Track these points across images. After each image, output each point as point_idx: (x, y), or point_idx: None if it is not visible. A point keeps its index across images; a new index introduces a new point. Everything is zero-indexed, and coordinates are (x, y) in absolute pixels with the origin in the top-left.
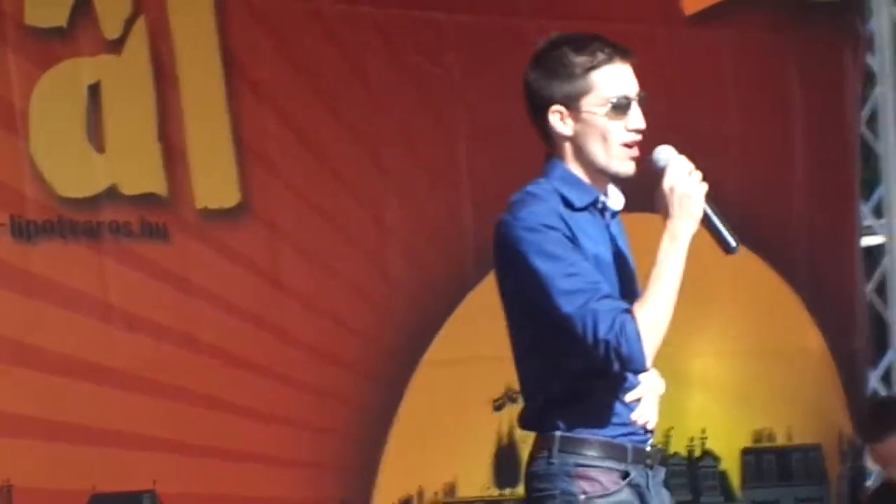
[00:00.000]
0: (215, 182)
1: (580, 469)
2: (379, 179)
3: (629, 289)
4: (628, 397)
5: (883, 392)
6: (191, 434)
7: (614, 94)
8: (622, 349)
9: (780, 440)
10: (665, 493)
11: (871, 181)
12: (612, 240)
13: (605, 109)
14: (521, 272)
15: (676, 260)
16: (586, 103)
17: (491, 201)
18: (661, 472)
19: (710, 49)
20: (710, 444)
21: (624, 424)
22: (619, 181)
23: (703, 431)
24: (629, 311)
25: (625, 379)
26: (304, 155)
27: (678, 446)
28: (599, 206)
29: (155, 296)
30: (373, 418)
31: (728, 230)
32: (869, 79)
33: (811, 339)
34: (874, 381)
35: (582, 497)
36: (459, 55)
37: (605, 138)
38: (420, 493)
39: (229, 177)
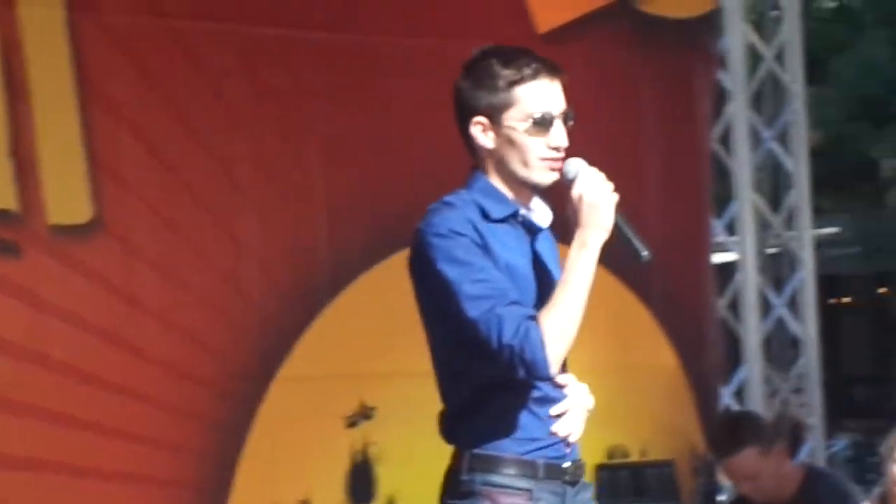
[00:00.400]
0: (67, 198)
1: (487, 489)
2: (233, 195)
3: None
4: (553, 410)
5: (736, 407)
6: (44, 451)
7: (536, 109)
8: (526, 355)
9: (634, 456)
10: None
11: (723, 198)
12: (536, 254)
13: (526, 125)
14: (430, 278)
15: (585, 268)
16: (508, 117)
17: (345, 218)
18: (587, 490)
19: (563, 67)
20: None
21: (536, 439)
22: (542, 192)
23: None
24: (535, 318)
25: (538, 391)
26: (157, 170)
27: None
28: (520, 219)
29: (6, 313)
30: (226, 435)
31: (638, 239)
32: (721, 96)
33: (664, 355)
34: (727, 397)
35: None
36: (314, 73)
37: (523, 153)
38: None
39: (81, 192)
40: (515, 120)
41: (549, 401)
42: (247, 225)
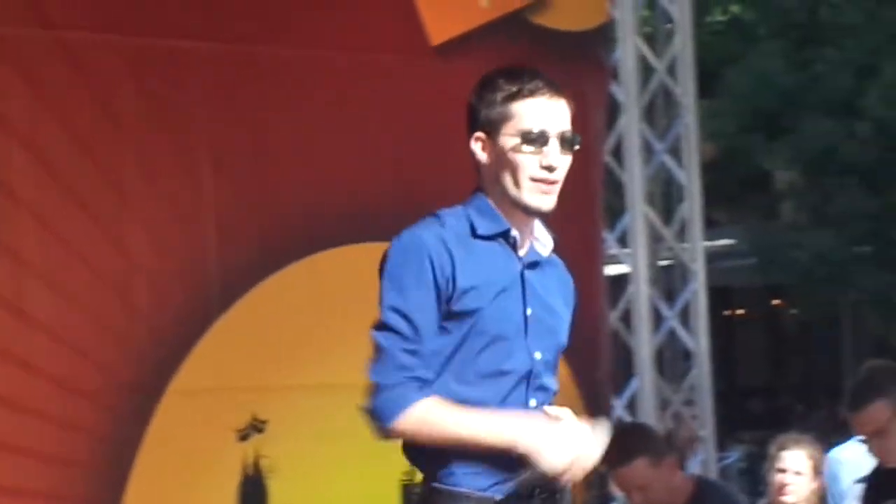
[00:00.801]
0: None
1: None
2: (123, 209)
3: (536, 332)
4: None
5: (628, 419)
6: None
7: (530, 126)
8: (379, 403)
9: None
10: None
11: (615, 210)
12: (526, 282)
13: (518, 141)
14: (380, 291)
15: (492, 433)
16: (503, 132)
17: (235, 231)
18: None
19: (457, 79)
20: None
21: (495, 474)
22: (537, 216)
23: None
24: (422, 383)
25: None
26: (47, 184)
27: None
28: (511, 240)
29: None
30: (116, 450)
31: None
32: (614, 109)
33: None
34: (619, 409)
35: None
36: (202, 84)
37: (514, 171)
38: None
39: None
40: (509, 135)
41: None
42: (136, 238)
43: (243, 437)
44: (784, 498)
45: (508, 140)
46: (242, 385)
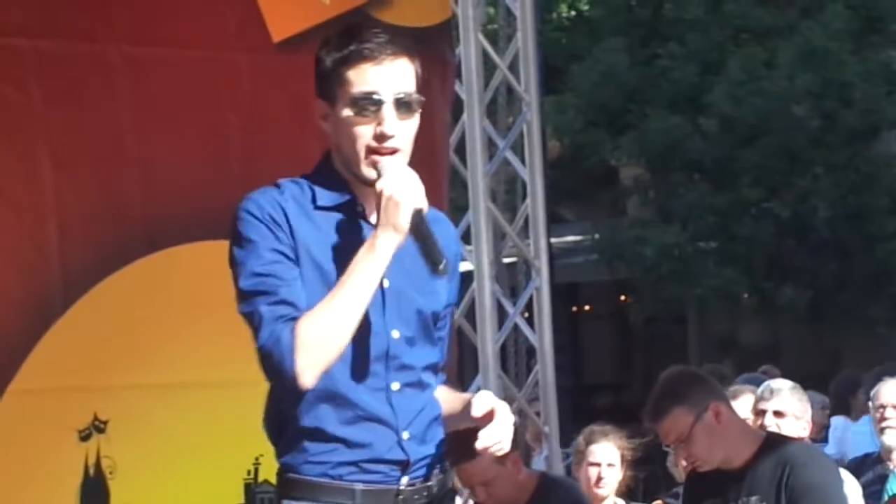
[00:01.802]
0: None
1: None
2: None
3: (395, 306)
4: (476, 410)
5: None
6: None
7: (361, 91)
8: (274, 360)
9: None
10: None
11: (459, 207)
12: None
13: (350, 110)
14: (230, 262)
15: (366, 271)
16: (338, 99)
17: (77, 229)
18: None
19: (297, 76)
20: None
21: (366, 462)
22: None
23: None
24: (294, 320)
25: (354, 410)
26: None
27: (268, 473)
28: (358, 209)
29: None
30: None
31: (436, 249)
32: (457, 105)
33: None
34: None
35: None
36: (41, 82)
37: (350, 141)
38: None
39: None
40: (342, 103)
41: (366, 419)
42: None
43: (84, 437)
44: (599, 490)
45: (341, 108)
46: (83, 384)
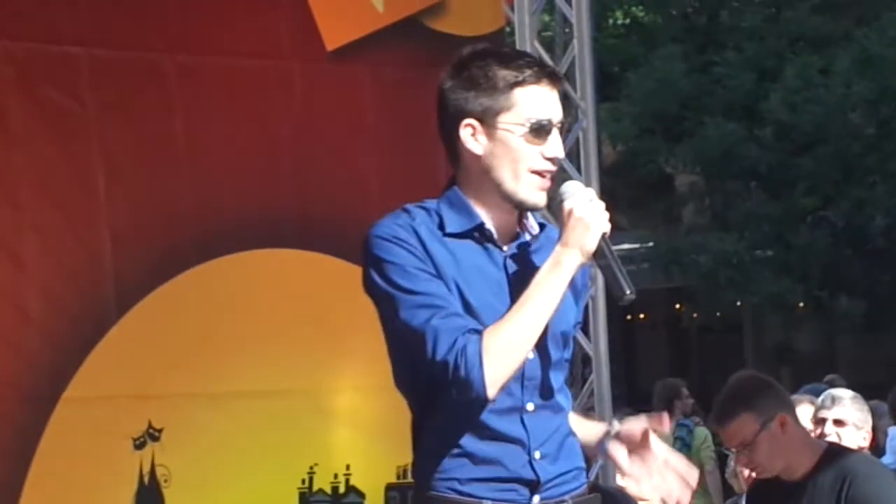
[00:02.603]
0: None
1: None
2: (14, 216)
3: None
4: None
5: None
6: None
7: (536, 115)
8: (460, 372)
9: None
10: None
11: None
12: (507, 273)
13: (524, 130)
14: (372, 287)
15: (551, 287)
16: (503, 120)
17: (130, 238)
18: None
19: (353, 84)
20: (354, 481)
21: (496, 480)
22: (531, 211)
23: (348, 468)
24: (478, 332)
25: (487, 427)
26: None
27: (322, 482)
28: (488, 234)
29: None
30: (10, 462)
31: (623, 274)
32: None
33: None
34: None
35: None
36: (95, 91)
37: (516, 161)
38: None
39: None
40: (512, 123)
41: (498, 438)
42: (28, 245)
43: (139, 445)
44: None
45: (512, 128)
46: (137, 393)
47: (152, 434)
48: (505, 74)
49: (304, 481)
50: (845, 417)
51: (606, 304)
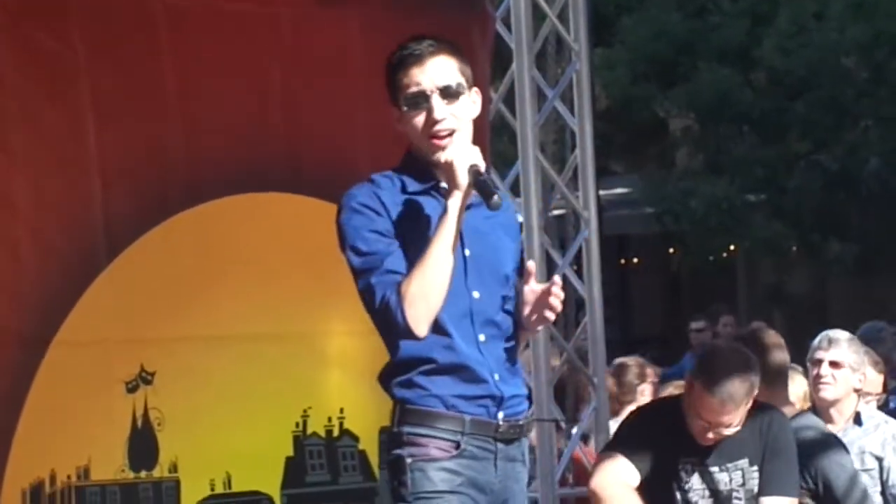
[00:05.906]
0: None
1: (412, 437)
2: (5, 160)
3: (476, 272)
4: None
5: None
6: None
7: (409, 91)
8: (389, 319)
9: None
10: (514, 468)
11: (508, 158)
12: (468, 225)
13: (406, 108)
14: (341, 249)
15: (445, 232)
16: (399, 103)
17: (120, 182)
18: (520, 445)
19: (341, 29)
20: (348, 424)
21: (460, 397)
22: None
23: (342, 411)
24: (398, 284)
25: (460, 353)
26: None
27: (316, 426)
28: (442, 190)
29: None
30: (1, 406)
31: (491, 188)
32: (506, 55)
33: None
34: None
35: (409, 460)
36: (85, 35)
37: (414, 134)
38: (52, 477)
39: None
40: (402, 104)
41: (468, 364)
42: (20, 189)
43: (131, 388)
44: None
45: (403, 108)
46: (129, 337)
47: (145, 377)
48: (391, 62)
49: (297, 425)
50: (841, 359)
51: (600, 248)
